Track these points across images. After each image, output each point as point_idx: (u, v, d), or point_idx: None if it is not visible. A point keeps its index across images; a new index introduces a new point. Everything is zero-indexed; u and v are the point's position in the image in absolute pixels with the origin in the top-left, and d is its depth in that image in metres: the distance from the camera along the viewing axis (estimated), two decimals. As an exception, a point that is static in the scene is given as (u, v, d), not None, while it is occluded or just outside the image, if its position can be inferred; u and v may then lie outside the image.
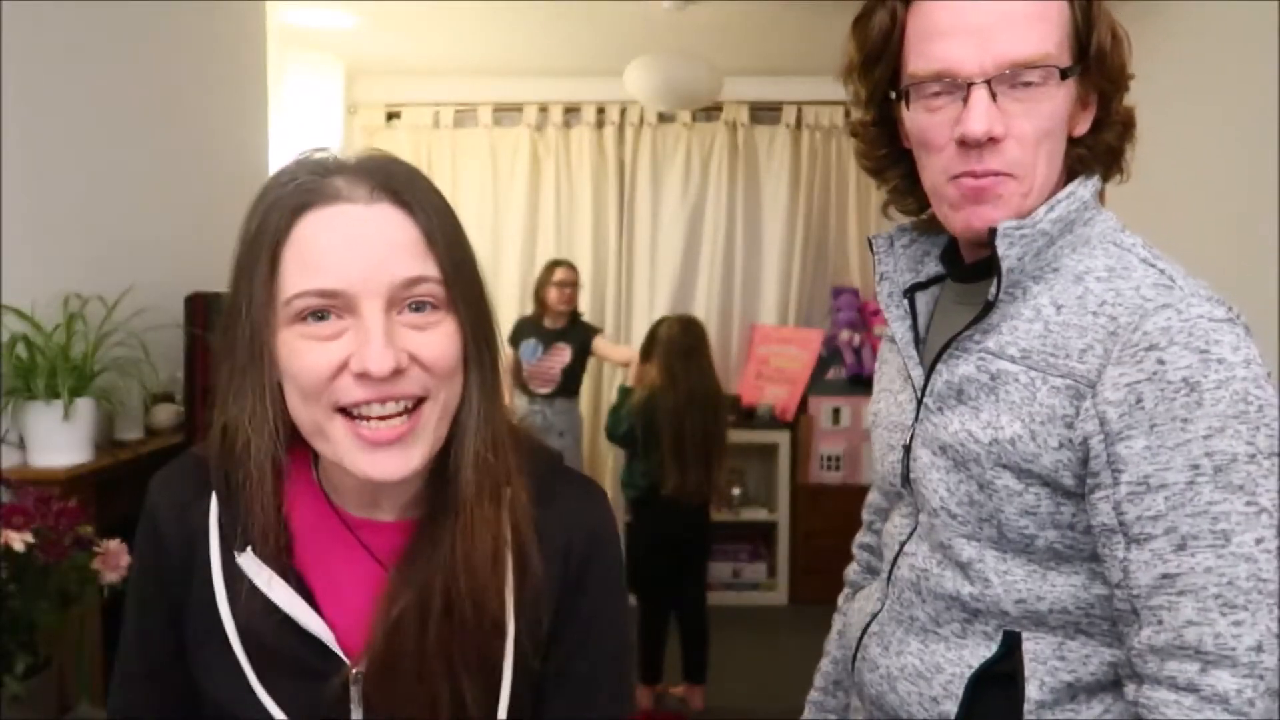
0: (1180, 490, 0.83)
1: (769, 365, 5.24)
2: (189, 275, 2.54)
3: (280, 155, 3.37)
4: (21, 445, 2.02)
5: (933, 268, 1.08)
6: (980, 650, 0.97)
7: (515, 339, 4.41)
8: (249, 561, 0.84)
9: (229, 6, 3.05)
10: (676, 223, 5.39)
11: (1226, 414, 0.82)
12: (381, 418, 0.79)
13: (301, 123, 4.25)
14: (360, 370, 0.76)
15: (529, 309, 4.60)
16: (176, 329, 2.37)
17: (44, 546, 1.62)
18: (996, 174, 0.92)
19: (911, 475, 1.03)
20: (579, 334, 4.47)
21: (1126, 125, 1.00)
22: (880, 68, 0.99)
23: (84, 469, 2.01)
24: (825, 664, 1.30)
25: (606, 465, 5.17)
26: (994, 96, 0.90)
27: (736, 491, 5.19)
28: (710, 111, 5.25)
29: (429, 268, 0.80)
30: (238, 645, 0.85)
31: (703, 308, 5.39)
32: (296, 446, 0.85)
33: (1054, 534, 0.92)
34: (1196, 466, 0.83)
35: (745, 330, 5.39)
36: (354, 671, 0.84)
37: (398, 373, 0.77)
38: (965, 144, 0.91)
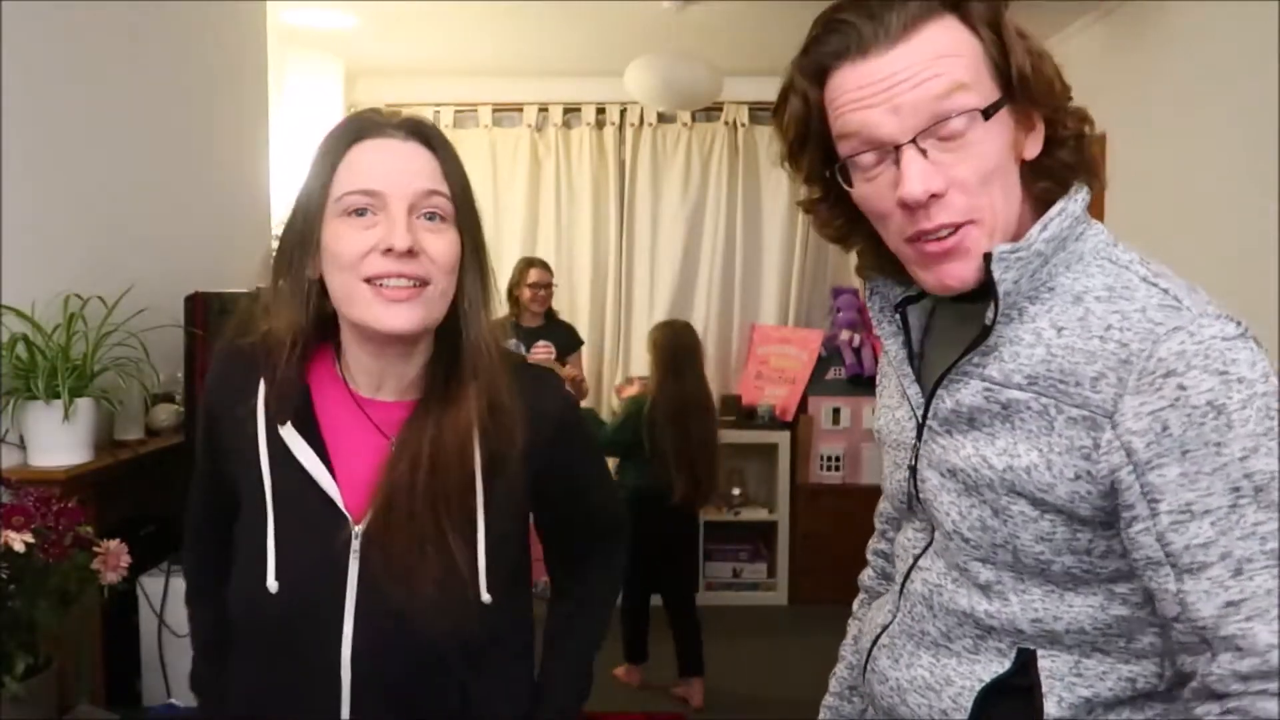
0: (1225, 514, 0.82)
1: (769, 365, 5.24)
2: (189, 275, 2.54)
3: (280, 155, 3.37)
4: (21, 445, 2.02)
5: None
6: (993, 665, 0.97)
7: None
8: (289, 433, 1.11)
9: (229, 6, 3.05)
10: (676, 223, 5.39)
11: (1257, 433, 0.82)
12: (397, 288, 1.05)
13: (301, 123, 4.25)
14: (387, 246, 1.04)
15: None
16: (176, 329, 2.37)
17: (44, 546, 1.61)
18: (954, 226, 0.90)
19: (921, 495, 1.02)
20: (561, 334, 4.42)
21: (1078, 138, 0.96)
22: (810, 150, 0.98)
23: (84, 469, 2.01)
24: (841, 669, 1.29)
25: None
26: (924, 153, 0.89)
27: (736, 491, 5.19)
28: (710, 111, 5.25)
29: (442, 187, 1.09)
30: (270, 506, 1.10)
31: (703, 308, 5.40)
32: (322, 344, 1.15)
33: (1070, 559, 0.92)
34: (1238, 489, 0.82)
35: (745, 330, 5.39)
36: (356, 528, 1.10)
37: (412, 254, 1.05)
38: (908, 206, 0.90)
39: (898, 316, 1.07)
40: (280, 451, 1.12)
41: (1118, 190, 3.89)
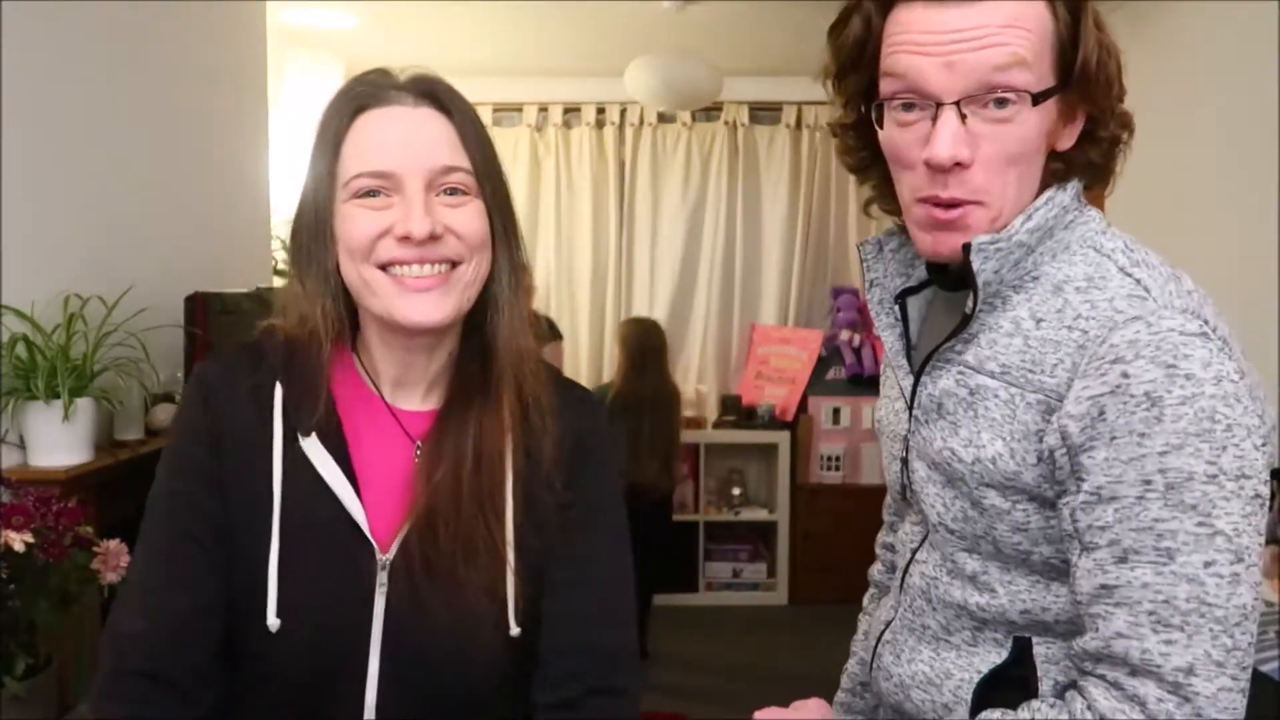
0: (1130, 504, 0.82)
1: (769, 365, 5.24)
2: (189, 275, 2.54)
3: (280, 155, 3.37)
4: (21, 445, 2.02)
5: (923, 272, 1.06)
6: (990, 657, 0.96)
7: None
8: (312, 446, 0.95)
9: (229, 6, 3.05)
10: (676, 223, 5.39)
11: (1188, 431, 0.80)
12: (416, 277, 0.92)
13: (301, 123, 4.25)
14: (404, 233, 0.91)
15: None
16: (176, 329, 2.37)
17: (44, 546, 1.61)
18: (962, 203, 0.89)
19: (913, 487, 1.02)
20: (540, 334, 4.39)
21: (1114, 141, 0.95)
22: (856, 76, 0.96)
23: (84, 469, 2.01)
24: (852, 664, 1.28)
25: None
26: (964, 118, 0.87)
27: (736, 491, 5.19)
28: (710, 111, 5.25)
29: (462, 159, 0.95)
30: (277, 526, 0.93)
31: (703, 308, 5.40)
32: (340, 341, 0.99)
33: (1048, 549, 0.91)
34: (1148, 482, 0.81)
35: (745, 330, 5.39)
36: (383, 558, 0.94)
37: (435, 238, 0.92)
38: (931, 167, 0.88)
39: (896, 308, 1.06)
40: (297, 467, 0.95)
41: (1117, 190, 3.89)
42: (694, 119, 5.33)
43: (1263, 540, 0.83)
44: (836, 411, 5.10)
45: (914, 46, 0.88)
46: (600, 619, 1.01)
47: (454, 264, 0.94)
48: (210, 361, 1.02)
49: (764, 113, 5.33)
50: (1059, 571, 0.92)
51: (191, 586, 0.93)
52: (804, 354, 5.18)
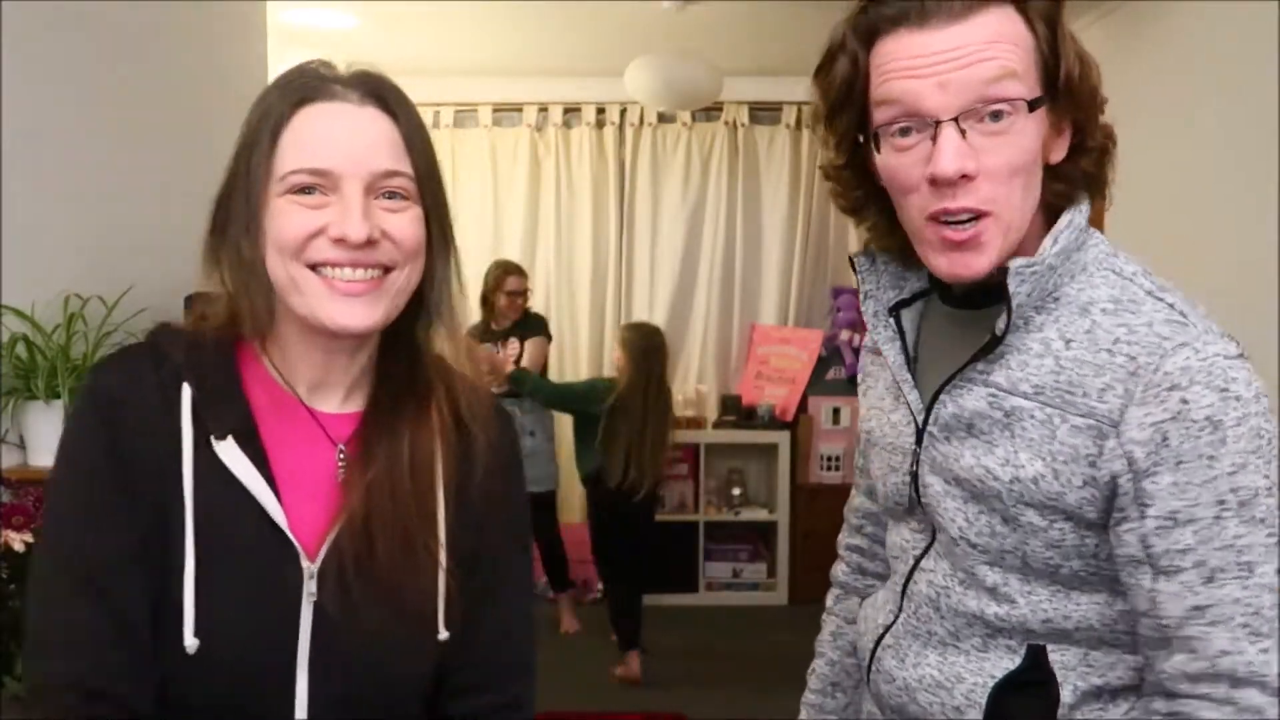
0: (1208, 524, 0.85)
1: (769, 365, 5.24)
2: (189, 275, 2.53)
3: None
4: (21, 445, 2.02)
5: (916, 284, 1.07)
6: (1003, 662, 0.98)
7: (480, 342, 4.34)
8: (228, 450, 0.88)
9: (229, 6, 3.05)
10: (676, 223, 5.39)
11: (1247, 450, 0.85)
12: (348, 280, 0.89)
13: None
14: (339, 235, 0.87)
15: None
16: (176, 329, 2.37)
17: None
18: (975, 213, 0.90)
19: (924, 500, 1.02)
20: (531, 329, 4.35)
21: (1103, 150, 0.98)
22: (847, 113, 0.97)
23: (84, 469, 2.01)
24: (820, 665, 1.29)
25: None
26: (963, 133, 0.89)
27: (736, 491, 5.19)
28: (710, 111, 5.25)
29: (404, 164, 0.92)
30: (191, 537, 0.86)
31: (703, 308, 5.40)
32: (245, 342, 0.94)
33: (1079, 563, 0.94)
34: (1223, 502, 0.85)
35: (745, 330, 5.39)
36: (310, 567, 0.90)
37: (371, 243, 0.88)
38: (937, 183, 0.90)
39: (892, 320, 1.07)
40: (212, 474, 0.88)
41: (1117, 190, 3.89)
42: (694, 119, 5.33)
43: None
44: (836, 411, 5.10)
45: (906, 71, 0.90)
46: (508, 634, 1.02)
47: (387, 270, 0.90)
48: (102, 368, 0.94)
49: (764, 113, 5.33)
50: (1083, 581, 0.94)
51: (117, 640, 0.85)
52: (804, 354, 5.18)
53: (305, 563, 0.90)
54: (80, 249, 2.23)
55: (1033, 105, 0.90)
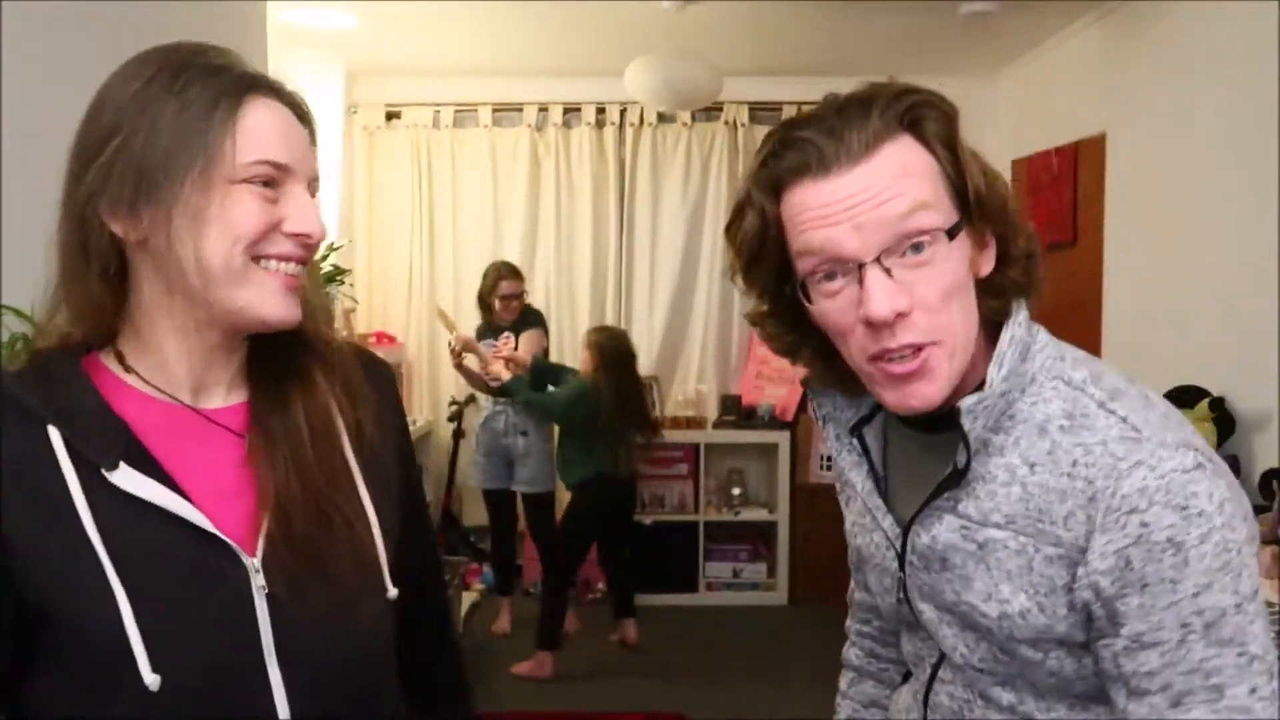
0: (1173, 648, 0.85)
1: (769, 365, 5.24)
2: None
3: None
4: (21, 445, 2.02)
5: (871, 401, 1.05)
6: None
7: (482, 334, 4.42)
8: (126, 476, 0.84)
9: (229, 6, 3.05)
10: (676, 223, 5.39)
11: (1212, 568, 0.84)
12: (291, 275, 0.90)
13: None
14: (301, 231, 0.89)
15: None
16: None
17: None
18: (917, 346, 0.90)
19: (921, 622, 1.02)
20: (527, 324, 4.41)
21: (1029, 256, 0.96)
22: (765, 264, 0.96)
23: (84, 469, 2.01)
24: None
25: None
26: (888, 271, 0.88)
27: (736, 491, 5.19)
28: (710, 111, 5.25)
29: (318, 170, 0.95)
30: (112, 574, 0.82)
31: (703, 308, 5.40)
32: (91, 358, 0.92)
33: (1083, 685, 0.93)
34: (1187, 625, 0.84)
35: (745, 330, 5.39)
36: (253, 562, 0.88)
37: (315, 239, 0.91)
38: (873, 325, 0.89)
39: (855, 442, 1.06)
40: (113, 505, 0.84)
41: (1118, 190, 3.89)
42: (694, 119, 5.33)
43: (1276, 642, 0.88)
44: (836, 411, 5.10)
45: (818, 221, 0.89)
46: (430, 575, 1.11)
47: (304, 264, 0.93)
48: None
49: (764, 113, 5.32)
50: (1100, 691, 0.93)
51: None
52: (804, 354, 5.18)
53: (246, 559, 0.88)
54: (80, 249, 2.23)
55: (951, 233, 0.90)
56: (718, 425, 5.15)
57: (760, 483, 5.32)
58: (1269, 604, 2.26)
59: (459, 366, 4.36)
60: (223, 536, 0.87)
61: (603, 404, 4.09)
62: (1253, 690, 0.84)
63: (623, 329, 4.61)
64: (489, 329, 4.39)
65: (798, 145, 0.90)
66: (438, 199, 5.27)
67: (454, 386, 5.12)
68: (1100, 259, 3.94)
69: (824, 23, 4.01)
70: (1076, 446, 0.89)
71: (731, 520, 5.14)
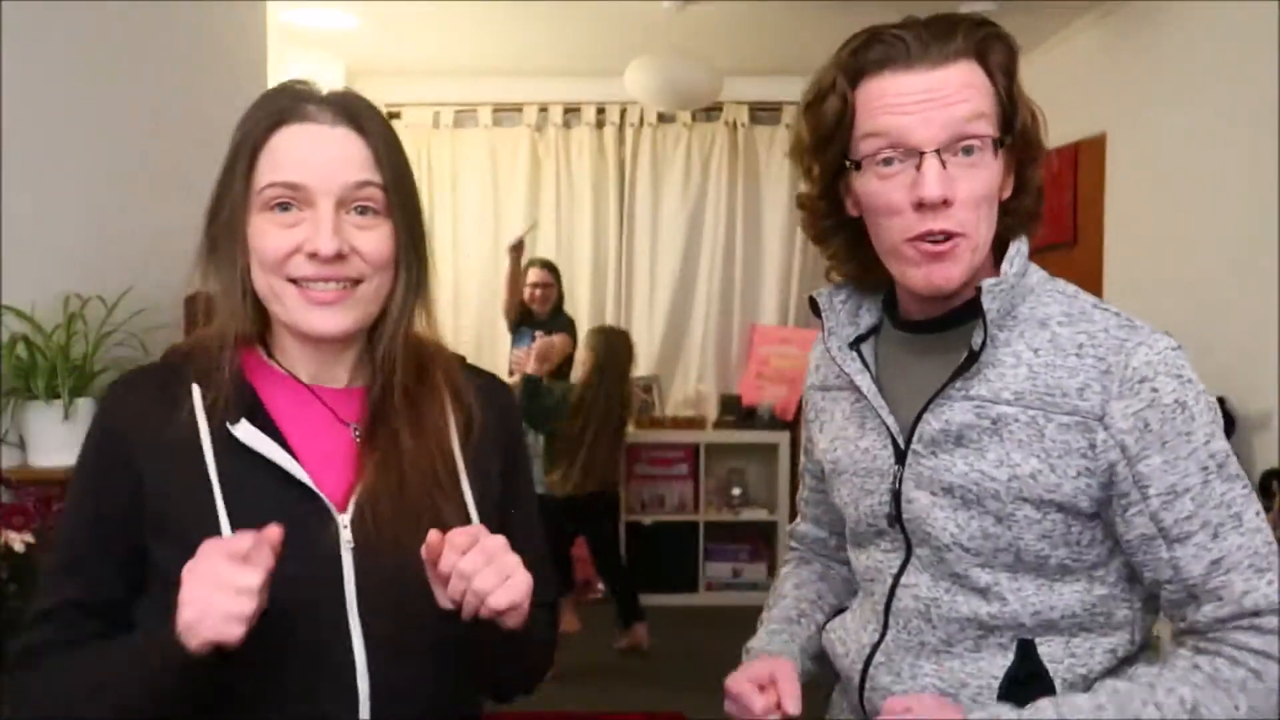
0: (1199, 490, 0.99)
1: (769, 365, 5.24)
2: (189, 275, 2.53)
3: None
4: (21, 445, 2.02)
5: (869, 319, 1.18)
6: (998, 660, 1.06)
7: (515, 328, 4.52)
8: (245, 430, 0.98)
9: (229, 6, 3.05)
10: (676, 223, 5.39)
11: (1208, 421, 1.00)
12: (325, 290, 0.98)
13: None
14: (311, 250, 0.96)
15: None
16: (176, 329, 2.37)
17: (44, 546, 1.62)
18: (950, 234, 1.02)
19: (906, 516, 1.09)
20: (557, 328, 4.48)
21: (1040, 191, 1.11)
22: (834, 146, 1.07)
23: (84, 469, 2.01)
24: (775, 610, 1.31)
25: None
26: (943, 164, 1.00)
27: (736, 491, 5.19)
28: (710, 111, 5.26)
29: (374, 175, 0.99)
30: (223, 512, 0.96)
31: (703, 308, 5.41)
32: (248, 342, 1.04)
33: (1064, 551, 1.04)
34: (1205, 468, 0.99)
35: (745, 330, 5.39)
36: (343, 519, 0.99)
37: (340, 257, 0.97)
38: (922, 206, 1.01)
39: (856, 354, 1.16)
40: (233, 456, 0.98)
41: (1118, 190, 3.89)
42: (694, 119, 5.33)
43: None
44: (836, 411, 5.10)
45: (893, 108, 1.02)
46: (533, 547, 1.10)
47: (356, 281, 0.99)
48: (108, 390, 1.06)
49: (764, 113, 5.33)
50: (1066, 571, 1.05)
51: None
52: (804, 354, 5.13)
53: (337, 515, 0.99)
54: (80, 249, 2.23)
55: (998, 144, 1.03)
56: (718, 425, 5.15)
57: (760, 483, 5.32)
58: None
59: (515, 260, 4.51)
60: (318, 491, 0.98)
61: (591, 407, 4.13)
62: (1258, 513, 1.01)
63: (623, 330, 4.61)
64: (530, 318, 4.50)
65: (888, 40, 1.03)
66: (438, 199, 5.27)
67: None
68: (1100, 259, 3.95)
69: (824, 23, 4.01)
70: (1079, 334, 1.03)
71: (731, 520, 5.14)
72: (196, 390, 1.00)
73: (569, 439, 4.17)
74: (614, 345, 4.29)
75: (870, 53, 1.03)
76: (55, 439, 1.98)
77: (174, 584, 0.87)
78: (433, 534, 0.91)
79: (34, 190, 2.08)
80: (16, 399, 1.97)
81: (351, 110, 1.00)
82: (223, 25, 3.01)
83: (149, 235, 2.51)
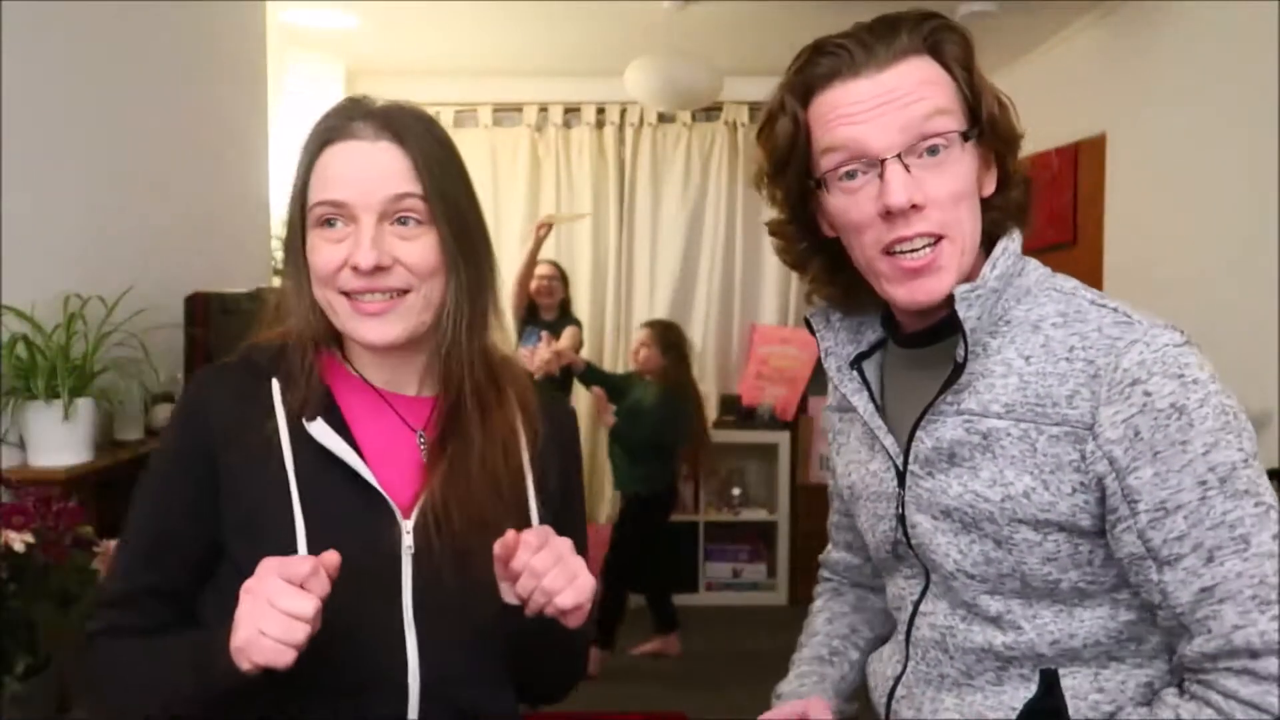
0: (1195, 507, 0.88)
1: (769, 365, 5.24)
2: (189, 275, 2.54)
3: (280, 156, 3.37)
4: (21, 445, 2.02)
5: (872, 335, 1.12)
6: (1020, 692, 0.99)
7: (522, 328, 4.51)
8: (320, 429, 1.02)
9: (229, 6, 3.05)
10: (676, 223, 5.39)
11: (1214, 428, 0.88)
12: (372, 301, 1.01)
13: (302, 123, 4.25)
14: (354, 264, 0.99)
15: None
16: (176, 329, 2.37)
17: (44, 546, 1.61)
18: (930, 237, 0.96)
19: (913, 541, 1.04)
20: (564, 327, 4.49)
21: (1027, 182, 1.05)
22: (792, 169, 1.03)
23: (84, 469, 2.01)
24: (806, 653, 1.30)
25: (604, 466, 5.16)
26: (907, 169, 0.95)
27: (736, 491, 5.19)
28: (710, 111, 5.26)
29: (414, 186, 1.01)
30: (298, 506, 0.99)
31: (703, 308, 5.40)
32: (324, 346, 1.08)
33: (1076, 574, 0.96)
34: (1204, 482, 0.88)
35: (745, 330, 5.39)
36: (406, 524, 1.02)
37: (382, 269, 1.00)
38: (890, 215, 0.96)
39: (855, 373, 1.11)
40: (305, 450, 1.01)
41: (1118, 190, 3.89)
42: (694, 119, 5.33)
43: None
44: (836, 411, 5.10)
45: (847, 118, 0.97)
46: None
47: (403, 291, 1.01)
48: (192, 379, 1.10)
49: (764, 113, 5.32)
50: (1083, 595, 0.96)
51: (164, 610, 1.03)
52: (804, 354, 5.18)
53: (401, 519, 1.01)
54: (80, 249, 2.23)
55: (965, 136, 0.97)
56: (718, 425, 5.15)
57: (760, 483, 5.32)
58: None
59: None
60: (384, 494, 1.01)
61: (677, 399, 4.14)
62: (1275, 536, 0.87)
63: (677, 324, 4.58)
64: (536, 319, 4.50)
65: (831, 52, 0.99)
66: (438, 199, 5.26)
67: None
68: (1100, 259, 3.94)
69: (824, 23, 3.98)
70: (1072, 336, 0.95)
71: (731, 520, 5.14)
72: (276, 387, 1.04)
73: (683, 442, 4.21)
74: (669, 331, 4.32)
75: (816, 68, 1.00)
76: (55, 439, 1.98)
77: (245, 575, 0.90)
78: (509, 533, 0.93)
79: (34, 190, 2.08)
80: (16, 399, 1.97)
81: (395, 123, 1.03)
82: (223, 25, 3.01)
83: (149, 235, 2.51)
